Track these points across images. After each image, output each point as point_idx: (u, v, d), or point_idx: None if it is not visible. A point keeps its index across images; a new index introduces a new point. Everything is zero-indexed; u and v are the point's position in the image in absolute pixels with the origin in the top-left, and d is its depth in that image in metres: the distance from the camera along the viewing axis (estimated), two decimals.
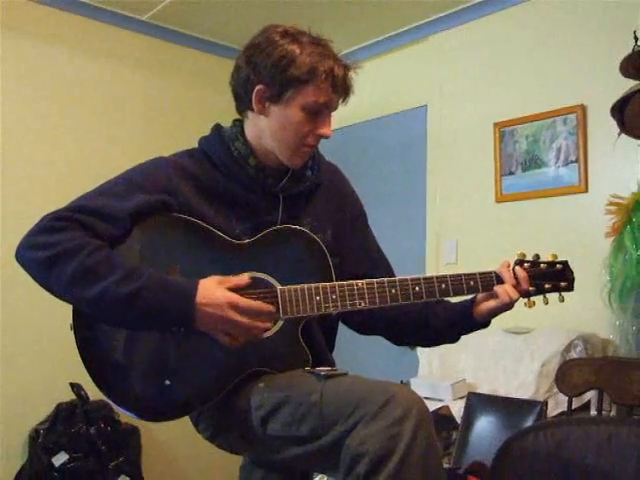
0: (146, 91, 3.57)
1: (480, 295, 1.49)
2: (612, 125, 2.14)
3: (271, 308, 1.34)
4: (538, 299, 1.51)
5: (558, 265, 1.52)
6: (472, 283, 1.46)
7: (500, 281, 1.47)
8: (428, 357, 2.90)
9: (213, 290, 1.28)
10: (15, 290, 2.93)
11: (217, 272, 1.35)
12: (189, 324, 1.28)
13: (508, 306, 1.46)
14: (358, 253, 1.61)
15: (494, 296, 1.47)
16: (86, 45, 3.36)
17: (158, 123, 3.57)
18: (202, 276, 1.32)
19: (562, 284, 1.51)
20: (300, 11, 3.31)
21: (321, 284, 1.38)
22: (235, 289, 1.31)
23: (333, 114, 1.47)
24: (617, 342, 2.50)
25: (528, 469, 1.53)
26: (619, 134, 2.15)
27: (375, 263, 1.63)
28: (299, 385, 1.31)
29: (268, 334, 1.37)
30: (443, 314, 1.55)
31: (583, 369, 2.21)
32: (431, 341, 1.66)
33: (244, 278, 1.34)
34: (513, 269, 1.49)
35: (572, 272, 1.53)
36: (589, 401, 2.36)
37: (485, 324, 1.53)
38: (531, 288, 1.49)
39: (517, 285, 1.47)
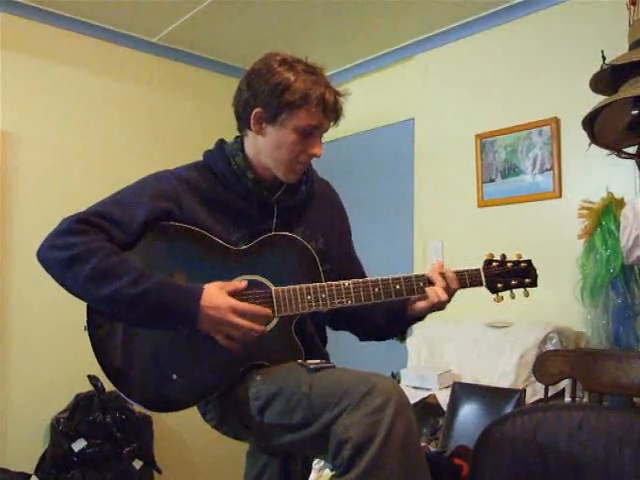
0: (155, 108, 3.54)
1: (416, 295, 1.47)
2: (583, 136, 2.13)
3: (267, 311, 1.35)
4: (505, 294, 1.51)
5: (523, 264, 1.52)
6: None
7: (432, 283, 1.45)
8: (417, 349, 2.89)
9: (216, 295, 1.29)
10: (37, 290, 2.92)
11: (217, 276, 1.36)
12: (192, 324, 1.29)
13: (436, 306, 1.45)
14: (344, 263, 1.61)
15: (425, 297, 1.45)
16: (99, 65, 3.34)
17: (166, 138, 3.54)
18: (203, 279, 1.33)
19: (526, 280, 1.51)
20: (297, 34, 3.33)
21: (312, 285, 1.40)
22: (235, 292, 1.33)
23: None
24: (589, 335, 2.50)
25: (507, 452, 1.52)
26: (589, 145, 2.15)
27: (357, 271, 1.64)
28: (291, 377, 1.31)
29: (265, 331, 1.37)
30: (385, 311, 1.55)
31: (558, 360, 2.21)
32: (380, 335, 1.64)
33: (243, 283, 1.36)
34: (443, 272, 1.46)
35: (535, 270, 1.53)
36: (564, 389, 2.35)
37: (419, 318, 1.52)
38: (499, 285, 1.49)
39: (447, 287, 1.45)
